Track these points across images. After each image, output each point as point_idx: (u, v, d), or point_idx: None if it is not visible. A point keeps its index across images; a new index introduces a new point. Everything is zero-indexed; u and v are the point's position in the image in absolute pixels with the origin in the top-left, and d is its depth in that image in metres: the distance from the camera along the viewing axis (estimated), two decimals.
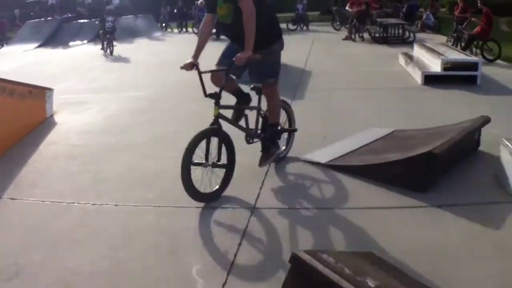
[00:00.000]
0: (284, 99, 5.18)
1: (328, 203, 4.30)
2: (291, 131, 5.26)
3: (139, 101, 8.77)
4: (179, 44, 20.24)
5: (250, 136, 4.75)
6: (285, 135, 5.24)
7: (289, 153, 5.30)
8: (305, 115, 6.65)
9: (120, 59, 16.06)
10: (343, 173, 4.74)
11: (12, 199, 4.76)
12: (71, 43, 24.41)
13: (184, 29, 26.95)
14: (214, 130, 4.21)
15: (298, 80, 9.93)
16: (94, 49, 20.47)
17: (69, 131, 7.15)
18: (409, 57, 11.37)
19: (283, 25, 21.71)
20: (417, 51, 11.54)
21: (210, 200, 4.23)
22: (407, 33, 17.24)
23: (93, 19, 26.29)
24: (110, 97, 9.44)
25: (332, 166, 4.87)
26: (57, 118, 7.99)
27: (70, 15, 28.47)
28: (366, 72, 10.82)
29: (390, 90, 8.99)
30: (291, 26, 23.21)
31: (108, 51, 17.14)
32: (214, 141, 4.22)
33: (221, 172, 4.38)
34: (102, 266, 3.38)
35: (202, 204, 4.21)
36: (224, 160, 4.33)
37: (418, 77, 9.58)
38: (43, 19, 28.63)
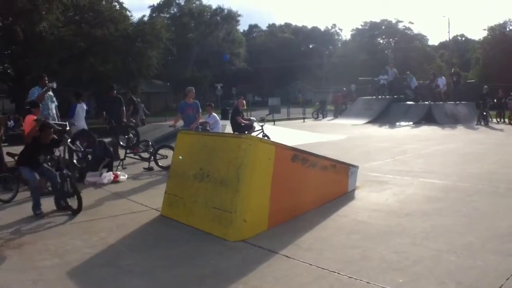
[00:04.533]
0: None
1: None
2: None
3: (434, 189, 9.05)
4: (493, 135, 19.90)
5: None
6: None
7: None
8: None
9: (432, 144, 16.43)
10: None
11: (286, 256, 5.68)
12: (397, 123, 25.75)
13: (502, 119, 25.98)
14: None
15: None
16: (414, 132, 21.43)
17: (362, 207, 7.92)
18: None
19: None
20: None
21: None
22: None
23: (420, 102, 27.47)
24: (410, 181, 9.96)
25: None
26: (357, 193, 8.92)
27: (399, 96, 30.08)
28: None
29: None
30: None
31: None
32: None
33: None
34: None
35: None
36: None
37: None
38: (374, 97, 30.95)
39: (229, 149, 7.03)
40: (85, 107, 13.77)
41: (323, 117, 36.03)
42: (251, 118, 17.33)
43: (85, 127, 13.61)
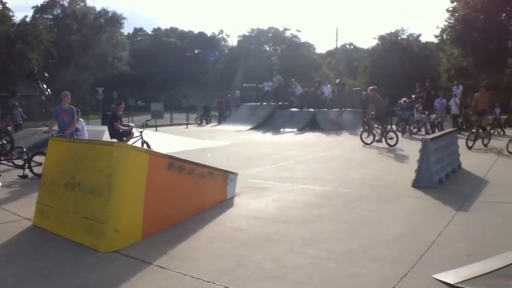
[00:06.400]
0: None
1: None
2: None
3: (316, 196, 9.17)
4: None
5: None
6: None
7: (423, 269, 5.18)
8: (461, 229, 6.66)
9: (316, 151, 16.81)
10: None
11: (161, 267, 5.47)
12: (281, 130, 26.29)
13: (389, 126, 27.51)
14: None
15: (471, 190, 9.44)
16: (298, 138, 21.90)
17: (240, 214, 7.85)
18: None
19: None
20: None
21: None
22: None
23: (304, 109, 28.29)
24: (290, 187, 10.02)
25: None
26: (236, 200, 8.84)
27: (284, 103, 30.78)
28: None
29: None
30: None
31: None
32: None
33: None
34: None
35: None
36: None
37: None
38: (259, 103, 31.54)
39: (100, 157, 6.88)
40: None
41: (207, 123, 36.28)
42: (130, 124, 16.83)
43: None
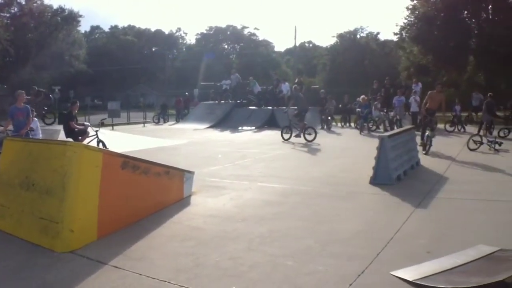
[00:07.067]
0: None
1: None
2: None
3: (274, 193, 9.18)
4: (334, 139, 20.89)
5: None
6: None
7: (381, 265, 5.22)
8: (420, 226, 6.75)
9: (274, 149, 16.91)
10: None
11: (116, 267, 5.40)
12: (240, 128, 26.34)
13: (347, 124, 27.91)
14: None
15: (430, 186, 9.64)
16: (256, 136, 21.92)
17: (197, 213, 7.79)
18: None
19: (441, 126, 20.96)
20: None
21: None
22: None
23: (263, 107, 28.38)
24: (248, 185, 10.01)
25: (418, 285, 4.74)
26: (193, 199, 8.78)
27: (242, 101, 30.88)
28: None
29: None
30: (448, 128, 22.76)
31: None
32: None
33: None
34: None
35: None
36: None
37: None
38: (217, 101, 31.51)
39: (54, 156, 6.81)
40: None
41: (164, 122, 36.10)
42: (85, 123, 16.56)
43: None
